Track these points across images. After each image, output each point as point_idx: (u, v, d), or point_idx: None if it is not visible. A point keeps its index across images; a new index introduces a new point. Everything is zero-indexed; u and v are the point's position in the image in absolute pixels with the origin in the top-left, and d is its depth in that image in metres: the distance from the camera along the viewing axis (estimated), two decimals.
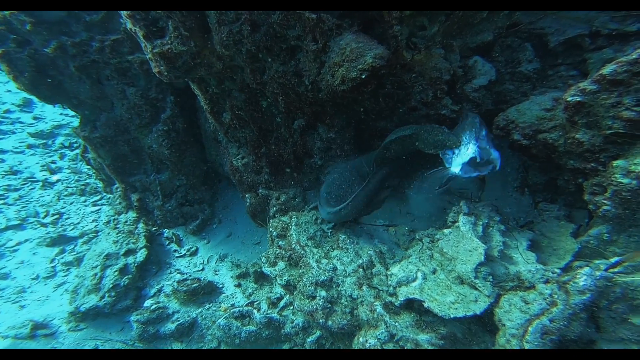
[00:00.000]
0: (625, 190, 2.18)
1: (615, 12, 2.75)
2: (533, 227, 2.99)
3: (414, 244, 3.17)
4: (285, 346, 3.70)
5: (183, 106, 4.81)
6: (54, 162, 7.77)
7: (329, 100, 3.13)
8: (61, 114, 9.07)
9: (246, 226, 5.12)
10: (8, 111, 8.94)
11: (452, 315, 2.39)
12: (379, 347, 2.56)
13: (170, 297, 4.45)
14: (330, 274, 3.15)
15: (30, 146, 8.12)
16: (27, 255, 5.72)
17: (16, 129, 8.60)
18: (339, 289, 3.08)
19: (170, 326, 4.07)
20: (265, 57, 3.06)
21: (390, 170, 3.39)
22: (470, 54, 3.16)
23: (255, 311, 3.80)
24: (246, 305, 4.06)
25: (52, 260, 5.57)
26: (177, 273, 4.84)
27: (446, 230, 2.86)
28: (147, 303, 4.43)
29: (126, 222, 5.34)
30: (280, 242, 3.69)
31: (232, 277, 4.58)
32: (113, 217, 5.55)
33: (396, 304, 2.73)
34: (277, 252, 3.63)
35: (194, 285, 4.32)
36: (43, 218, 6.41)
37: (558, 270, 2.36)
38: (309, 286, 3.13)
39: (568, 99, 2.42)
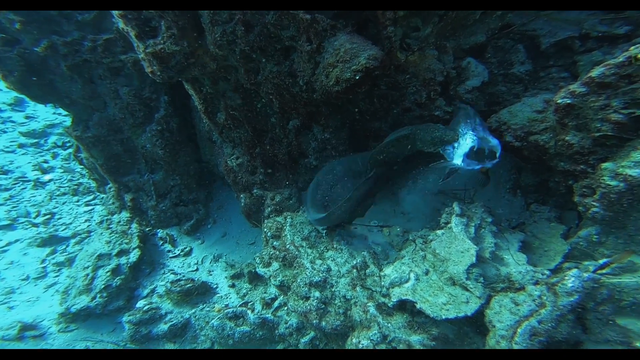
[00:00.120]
0: (613, 192, 2.21)
1: (604, 15, 2.77)
2: (525, 228, 3.02)
3: (408, 245, 3.18)
4: (279, 347, 3.69)
5: (177, 106, 4.77)
6: (46, 161, 7.68)
7: (323, 101, 3.13)
8: (54, 113, 8.96)
9: (241, 226, 5.10)
10: None
11: (443, 317, 2.40)
12: (372, 348, 2.57)
13: (164, 297, 4.42)
14: (324, 274, 3.16)
15: (21, 145, 8.01)
16: (18, 255, 5.63)
17: (7, 128, 8.48)
18: (332, 289, 3.08)
19: (163, 327, 4.04)
20: (260, 57, 3.05)
21: (383, 174, 3.39)
22: (464, 55, 3.18)
23: (249, 312, 3.79)
24: (240, 305, 4.05)
25: (43, 261, 5.49)
26: (171, 273, 4.80)
27: (439, 232, 2.87)
28: (140, 304, 4.40)
29: (119, 222, 5.29)
30: (274, 243, 3.68)
31: (226, 277, 4.57)
32: (106, 217, 5.50)
33: (389, 304, 2.74)
34: (271, 253, 3.62)
35: (188, 285, 4.30)
36: (34, 218, 6.32)
37: (547, 272, 2.39)
38: (303, 287, 3.13)
39: (558, 101, 2.44)
